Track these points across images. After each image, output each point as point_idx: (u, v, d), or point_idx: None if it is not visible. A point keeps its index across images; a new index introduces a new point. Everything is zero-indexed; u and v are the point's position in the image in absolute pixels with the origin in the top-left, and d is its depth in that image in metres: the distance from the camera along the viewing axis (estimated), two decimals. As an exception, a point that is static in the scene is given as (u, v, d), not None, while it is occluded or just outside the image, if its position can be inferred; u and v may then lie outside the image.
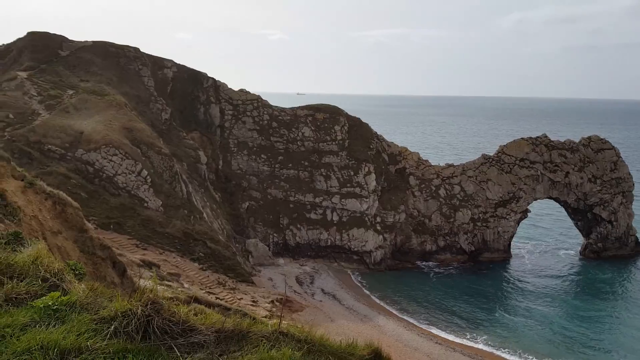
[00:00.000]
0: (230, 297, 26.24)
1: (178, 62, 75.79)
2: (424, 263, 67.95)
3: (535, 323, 50.90)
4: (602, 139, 75.28)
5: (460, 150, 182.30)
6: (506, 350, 44.90)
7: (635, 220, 75.39)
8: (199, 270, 32.19)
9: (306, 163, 69.91)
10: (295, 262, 63.44)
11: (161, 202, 50.73)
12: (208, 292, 24.25)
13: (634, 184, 74.15)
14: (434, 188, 71.32)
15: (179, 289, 15.05)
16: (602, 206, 71.69)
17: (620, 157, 74.16)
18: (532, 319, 51.95)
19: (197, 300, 11.26)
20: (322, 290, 55.79)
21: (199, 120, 72.50)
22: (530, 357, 43.85)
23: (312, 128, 71.61)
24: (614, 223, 71.79)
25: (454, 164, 75.54)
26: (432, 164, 75.41)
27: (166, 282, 16.78)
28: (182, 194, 54.06)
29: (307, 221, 67.08)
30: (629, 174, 73.87)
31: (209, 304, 12.08)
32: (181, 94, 73.15)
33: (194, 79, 75.13)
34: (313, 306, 49.71)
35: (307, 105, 75.83)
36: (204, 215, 54.52)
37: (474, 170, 72.65)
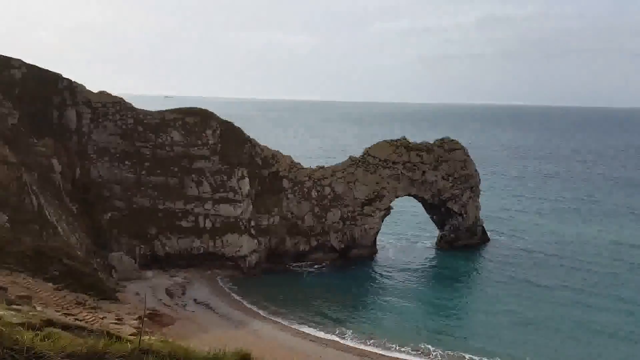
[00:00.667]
0: (91, 318, 24.53)
1: (29, 62, 68.63)
2: (298, 264, 69.36)
3: (397, 313, 54.61)
4: (453, 140, 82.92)
5: (330, 152, 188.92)
6: (371, 342, 47.54)
7: (482, 212, 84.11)
8: (53, 291, 29.59)
9: (176, 169, 67.64)
10: (166, 274, 61.11)
11: (7, 218, 45.83)
12: (65, 313, 22.45)
13: (480, 180, 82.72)
14: (306, 190, 73.12)
15: (31, 313, 13.84)
16: (454, 200, 78.95)
17: (469, 156, 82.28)
18: (395, 309, 55.68)
19: (51, 323, 10.43)
20: (195, 300, 54.45)
21: (53, 126, 66.41)
22: (394, 345, 46.97)
23: (182, 132, 69.46)
24: (464, 215, 79.48)
25: (325, 166, 78.13)
26: (304, 166, 77.35)
27: (15, 307, 15.30)
28: (32, 208, 49.27)
29: (177, 229, 64.97)
30: (476, 170, 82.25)
31: (66, 327, 11.27)
32: (32, 97, 66.35)
33: (47, 80, 68.44)
34: (185, 318, 48.36)
35: (176, 109, 73.32)
36: (59, 229, 50.26)
37: (343, 172, 75.81)
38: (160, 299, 52.91)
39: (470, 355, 45.07)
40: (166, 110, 72.35)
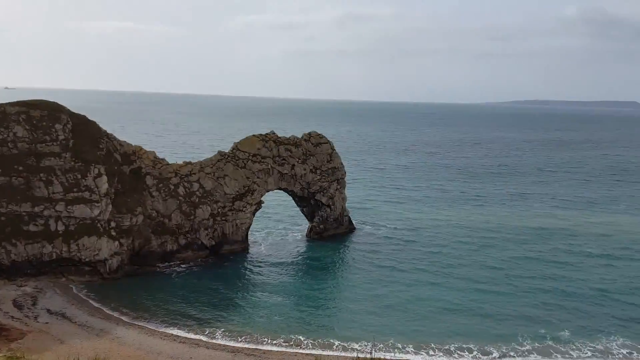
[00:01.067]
0: None
1: None
2: (165, 265, 66.38)
3: (268, 307, 54.54)
4: (319, 134, 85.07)
5: (197, 148, 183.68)
6: (243, 339, 47.21)
7: (348, 203, 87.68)
8: None
9: (20, 168, 60.79)
10: (12, 284, 54.80)
11: None
12: None
13: (345, 172, 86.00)
14: (172, 187, 70.14)
15: None
16: (322, 193, 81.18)
17: (334, 149, 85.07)
18: (266, 303, 55.53)
19: None
20: (48, 310, 49.55)
21: None
22: (266, 339, 47.10)
23: (27, 127, 62.53)
24: (332, 207, 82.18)
25: (192, 162, 75.59)
26: (170, 162, 74.06)
27: None
28: None
29: (24, 234, 58.50)
30: (341, 163, 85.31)
31: None
32: None
33: None
34: (38, 330, 43.83)
35: (19, 102, 65.66)
36: None
37: (212, 167, 73.96)
38: (7, 312, 47.32)
39: (340, 342, 46.68)
40: (7, 103, 64.62)
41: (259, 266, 67.88)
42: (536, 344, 46.67)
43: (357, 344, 46.30)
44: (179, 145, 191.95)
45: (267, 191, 78.34)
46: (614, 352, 45.87)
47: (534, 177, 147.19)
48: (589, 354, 45.52)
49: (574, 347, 46.53)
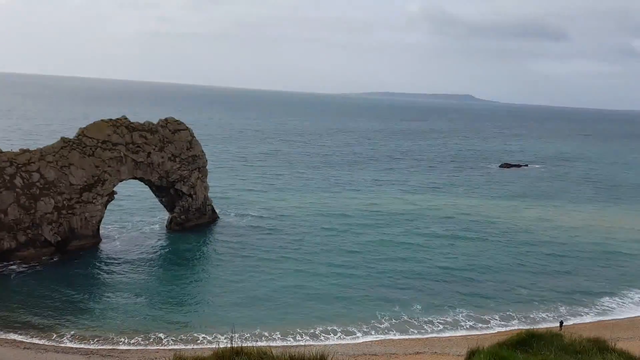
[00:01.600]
0: None
1: None
2: (2, 264, 58.83)
3: (124, 305, 51.11)
4: (177, 120, 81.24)
5: (34, 134, 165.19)
6: (96, 340, 43.98)
7: (210, 192, 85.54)
8: None
9: None
10: None
11: None
12: None
13: (207, 160, 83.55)
14: (7, 177, 62.12)
15: None
16: (182, 182, 78.02)
17: (194, 136, 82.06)
18: (122, 301, 51.89)
19: None
20: None
21: None
22: (123, 339, 44.28)
23: None
24: (194, 196, 79.45)
25: (30, 149, 67.56)
26: (3, 150, 65.53)
27: None
28: None
29: None
30: (202, 151, 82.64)
31: None
32: None
33: None
34: None
35: None
36: None
37: (54, 155, 66.82)
38: None
39: (204, 336, 45.46)
40: None
41: (113, 263, 63.16)
42: (393, 321, 49.95)
43: (223, 336, 45.39)
44: (12, 132, 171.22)
45: (120, 181, 73.13)
46: (462, 323, 50.76)
47: (385, 165, 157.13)
48: (441, 327, 49.79)
49: (427, 321, 50.62)
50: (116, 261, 63.71)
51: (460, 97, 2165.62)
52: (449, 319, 51.34)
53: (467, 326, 50.10)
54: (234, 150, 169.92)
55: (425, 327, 49.61)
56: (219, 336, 45.16)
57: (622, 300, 58.80)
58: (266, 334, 46.41)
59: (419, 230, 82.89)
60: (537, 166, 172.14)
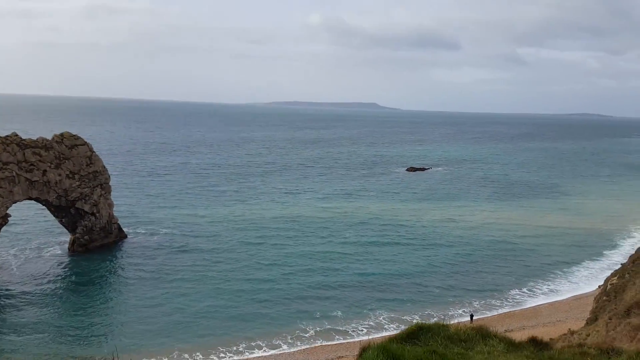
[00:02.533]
0: None
1: None
2: None
3: (28, 338, 46.80)
4: (74, 135, 75.85)
5: None
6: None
7: (116, 209, 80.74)
8: None
9: None
10: None
11: None
12: None
13: (109, 176, 78.77)
14: None
15: None
16: (83, 200, 72.89)
17: (94, 151, 77.09)
18: (24, 335, 47.41)
19: None
20: None
21: None
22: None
23: None
24: (97, 214, 74.48)
25: None
26: None
27: None
28: None
29: None
30: (104, 166, 77.80)
31: None
32: None
33: None
34: None
35: None
36: None
37: None
38: None
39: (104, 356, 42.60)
40: None
41: (9, 293, 57.29)
42: (317, 328, 49.71)
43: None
44: None
45: (14, 202, 66.95)
46: (385, 326, 51.61)
47: (298, 173, 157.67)
48: (365, 330, 50.33)
49: (350, 327, 50.91)
50: (13, 290, 58.00)
51: (365, 105, 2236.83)
52: (371, 322, 51.97)
53: (391, 328, 51.00)
54: (140, 164, 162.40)
55: (351, 333, 49.85)
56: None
57: (527, 292, 62.87)
58: (186, 355, 44.24)
59: (334, 238, 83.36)
60: (439, 169, 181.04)
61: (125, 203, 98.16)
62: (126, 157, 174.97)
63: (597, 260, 75.84)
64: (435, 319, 53.21)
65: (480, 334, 11.49)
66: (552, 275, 68.74)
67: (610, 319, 26.61)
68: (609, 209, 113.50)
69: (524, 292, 62.57)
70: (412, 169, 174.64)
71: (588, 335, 26.67)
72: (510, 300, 60.01)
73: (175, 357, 43.96)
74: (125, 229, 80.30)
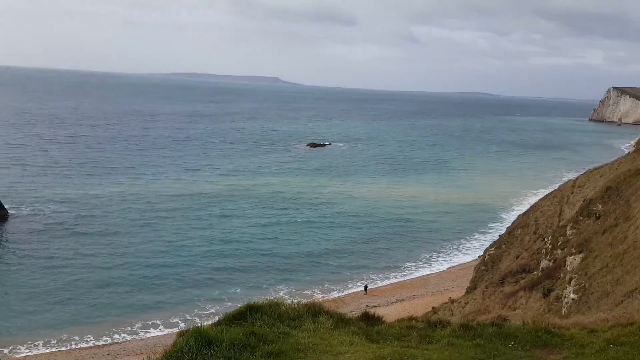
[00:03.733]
0: None
1: None
2: None
3: None
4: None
5: None
6: None
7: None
8: None
9: None
10: None
11: None
12: None
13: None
14: None
15: None
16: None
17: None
18: None
19: None
20: None
21: None
22: None
23: None
24: (-28, 193, 67.85)
25: None
26: None
27: None
28: None
29: None
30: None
31: None
32: None
33: None
34: None
35: None
36: None
37: None
38: None
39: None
40: None
41: None
42: (218, 307, 49.52)
43: (24, 346, 40.40)
44: None
45: None
46: (287, 300, 52.34)
47: (197, 149, 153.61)
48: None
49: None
50: None
51: (267, 79, 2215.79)
52: (272, 298, 52.77)
53: (290, 301, 52.18)
54: (24, 137, 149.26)
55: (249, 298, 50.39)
56: (20, 347, 39.99)
57: (420, 263, 66.88)
58: (76, 337, 42.42)
59: (234, 217, 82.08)
60: (339, 144, 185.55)
61: (5, 178, 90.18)
62: (8, 129, 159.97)
63: (485, 232, 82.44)
64: (335, 291, 55.49)
65: (312, 311, 11.32)
66: (443, 247, 73.60)
67: (486, 287, 29.46)
68: (495, 184, 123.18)
69: (417, 264, 66.46)
70: (312, 145, 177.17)
71: (467, 303, 29.35)
72: (405, 271, 63.81)
73: (64, 338, 42.03)
74: (6, 207, 74.01)
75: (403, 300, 53.56)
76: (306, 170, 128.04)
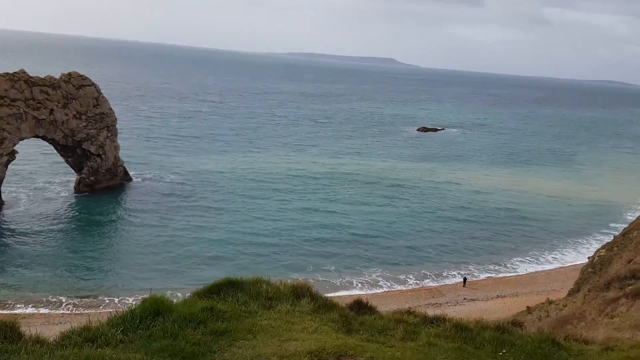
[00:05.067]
0: None
1: None
2: None
3: (33, 269, 48.50)
4: (82, 75, 75.21)
5: None
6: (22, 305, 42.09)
7: (123, 152, 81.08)
8: None
9: None
10: None
11: None
12: None
13: (116, 118, 78.56)
14: None
15: None
16: (89, 141, 73.08)
17: (101, 93, 76.66)
18: (30, 266, 49.10)
19: None
20: None
21: None
22: (20, 305, 41.87)
23: None
24: (103, 156, 74.81)
25: None
26: None
27: None
28: None
29: None
30: (111, 108, 77.50)
31: None
32: None
33: None
34: None
35: None
36: None
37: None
38: None
39: (110, 298, 44.12)
40: None
41: (17, 227, 58.63)
42: (310, 281, 50.34)
43: (131, 297, 44.13)
44: None
45: (21, 139, 67.35)
46: (380, 283, 52.33)
47: (308, 128, 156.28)
48: (359, 285, 51.18)
49: (345, 281, 51.63)
50: (20, 225, 59.40)
51: (383, 61, 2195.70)
52: (367, 279, 52.58)
53: (385, 285, 51.69)
54: (150, 109, 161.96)
55: (345, 286, 50.51)
56: (127, 298, 43.72)
57: (528, 260, 62.37)
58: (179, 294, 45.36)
59: (337, 196, 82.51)
60: (453, 130, 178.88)
61: (132, 147, 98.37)
62: (137, 102, 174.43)
63: (606, 233, 74.87)
64: (428, 280, 53.68)
65: (296, 293, 10.71)
66: (556, 245, 68.22)
67: (589, 291, 26.47)
68: (625, 182, 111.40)
69: (525, 260, 62.27)
70: (423, 129, 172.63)
71: (565, 306, 26.65)
72: (509, 267, 60.00)
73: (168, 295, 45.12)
74: (130, 173, 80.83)
75: (505, 296, 50.43)
76: (414, 155, 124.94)
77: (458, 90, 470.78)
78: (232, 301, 10.07)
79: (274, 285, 11.11)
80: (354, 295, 48.10)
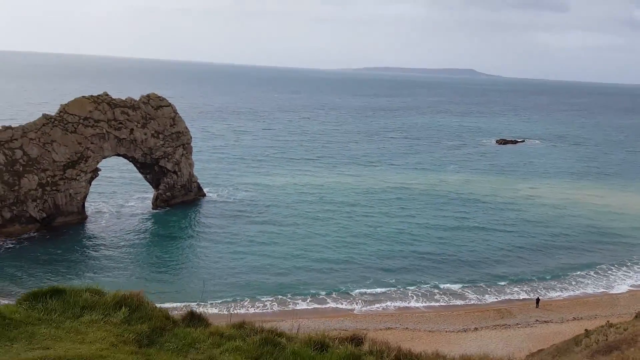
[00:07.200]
0: None
1: None
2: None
3: (115, 278, 51.40)
4: (159, 96, 80.00)
5: (13, 111, 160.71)
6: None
7: (196, 168, 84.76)
8: None
9: None
10: None
11: None
12: None
13: (191, 137, 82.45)
14: (-11, 155, 61.47)
15: None
16: (166, 159, 77.22)
17: (177, 112, 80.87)
18: (112, 275, 52.39)
19: None
20: None
21: None
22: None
23: None
24: (178, 173, 78.73)
25: (12, 126, 66.77)
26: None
27: None
28: None
29: None
30: (186, 127, 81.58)
31: None
32: None
33: None
34: None
35: None
36: None
37: (36, 132, 66.10)
38: None
39: (177, 304, 46.13)
40: None
41: (99, 239, 63.17)
42: (360, 302, 50.14)
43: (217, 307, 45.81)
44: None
45: (104, 157, 72.45)
46: (444, 298, 51.10)
47: (380, 143, 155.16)
48: (415, 297, 50.56)
49: (408, 293, 50.93)
50: (103, 237, 63.74)
51: (462, 72, 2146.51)
52: (425, 292, 51.93)
53: (442, 299, 50.57)
54: (224, 127, 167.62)
55: (407, 299, 49.93)
56: (212, 309, 45.33)
57: (608, 279, 58.24)
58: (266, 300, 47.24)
59: (405, 213, 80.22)
60: (535, 141, 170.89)
61: (205, 164, 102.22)
62: (210, 121, 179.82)
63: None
64: (495, 298, 51.34)
65: (121, 304, 10.32)
66: (640, 264, 63.13)
67: (652, 315, 24.01)
68: None
69: (608, 280, 57.92)
70: (502, 141, 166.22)
71: (625, 329, 24.33)
72: (588, 287, 56.05)
73: (245, 303, 47.78)
74: (204, 189, 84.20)
75: (582, 318, 47.15)
76: (491, 169, 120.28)
77: (541, 99, 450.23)
78: (42, 308, 9.92)
79: (102, 294, 10.85)
80: (410, 307, 47.54)
